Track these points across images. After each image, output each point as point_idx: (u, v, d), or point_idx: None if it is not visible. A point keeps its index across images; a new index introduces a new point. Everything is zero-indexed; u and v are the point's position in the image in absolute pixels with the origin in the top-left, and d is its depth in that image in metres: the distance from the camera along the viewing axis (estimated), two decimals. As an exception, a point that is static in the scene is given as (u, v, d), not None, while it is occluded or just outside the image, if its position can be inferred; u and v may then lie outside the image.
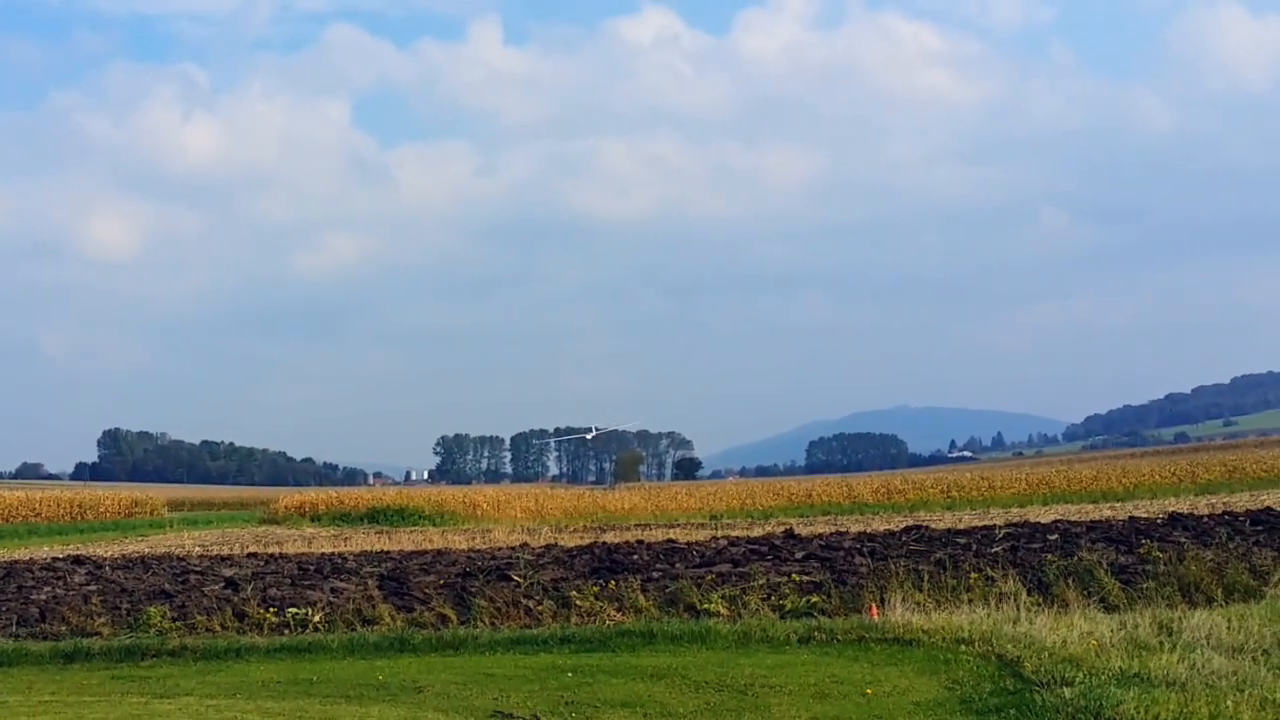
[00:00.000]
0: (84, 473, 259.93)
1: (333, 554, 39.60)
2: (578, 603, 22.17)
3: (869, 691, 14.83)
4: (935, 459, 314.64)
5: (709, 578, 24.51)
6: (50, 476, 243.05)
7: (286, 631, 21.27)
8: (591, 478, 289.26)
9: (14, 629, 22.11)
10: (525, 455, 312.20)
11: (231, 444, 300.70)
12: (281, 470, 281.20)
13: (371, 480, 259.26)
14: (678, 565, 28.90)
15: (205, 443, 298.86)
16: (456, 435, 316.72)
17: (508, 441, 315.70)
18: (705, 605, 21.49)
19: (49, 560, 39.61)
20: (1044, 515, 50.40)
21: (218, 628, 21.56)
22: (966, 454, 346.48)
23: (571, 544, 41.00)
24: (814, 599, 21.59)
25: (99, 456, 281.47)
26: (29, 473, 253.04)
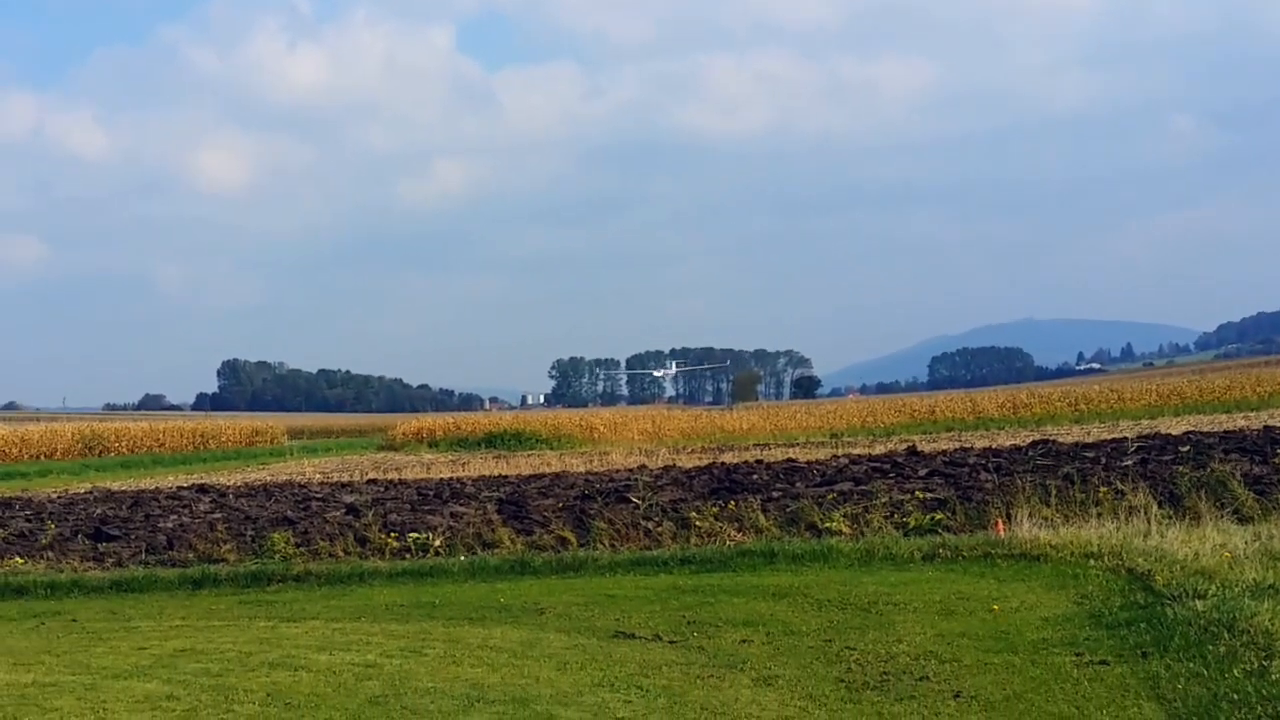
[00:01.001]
0: (204, 403, 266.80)
1: (451, 479, 40.32)
2: (697, 523, 22.34)
3: (995, 607, 14.80)
4: (1062, 372, 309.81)
5: (830, 496, 24.54)
6: (172, 407, 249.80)
7: (408, 556, 21.77)
8: (709, 398, 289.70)
9: (143, 556, 22.91)
10: (641, 377, 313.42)
11: (348, 372, 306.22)
12: (398, 397, 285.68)
13: (488, 405, 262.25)
14: (798, 484, 28.95)
15: (322, 371, 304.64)
16: (571, 359, 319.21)
17: (623, 364, 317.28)
18: (827, 524, 21.54)
19: (175, 489, 40.84)
20: (1175, 427, 49.55)
21: (340, 553, 22.12)
22: (1094, 366, 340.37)
23: (689, 465, 41.26)
24: (938, 516, 21.52)
25: (219, 387, 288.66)
26: (151, 404, 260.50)
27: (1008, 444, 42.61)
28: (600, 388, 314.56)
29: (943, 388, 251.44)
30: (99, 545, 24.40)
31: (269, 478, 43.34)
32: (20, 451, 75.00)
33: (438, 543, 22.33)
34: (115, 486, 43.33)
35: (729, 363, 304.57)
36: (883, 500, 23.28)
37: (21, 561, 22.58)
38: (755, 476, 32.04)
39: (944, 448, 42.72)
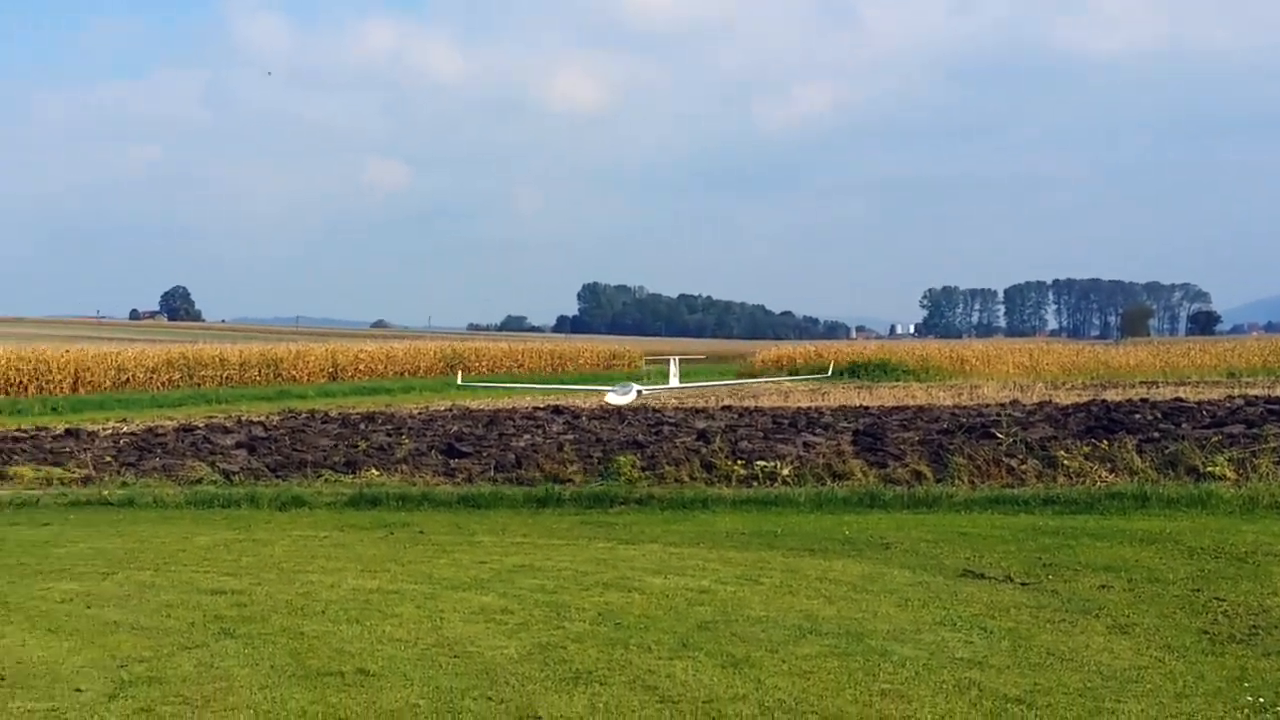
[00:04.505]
0: (565, 325, 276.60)
1: (808, 408, 40.59)
2: (1065, 462, 21.74)
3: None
4: None
5: (1215, 439, 23.38)
6: (533, 329, 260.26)
7: (754, 484, 22.08)
8: (1095, 332, 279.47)
9: (492, 474, 24.11)
10: (1020, 308, 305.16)
11: (709, 297, 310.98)
12: (760, 323, 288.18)
13: (854, 334, 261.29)
14: (1183, 425, 27.75)
15: (683, 296, 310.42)
16: (945, 288, 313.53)
17: (1000, 294, 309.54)
18: (1209, 468, 20.56)
19: (530, 410, 42.67)
20: None
21: (685, 478, 22.64)
22: None
23: (1067, 401, 40.17)
24: (1342, 464, 20.19)
25: (579, 310, 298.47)
26: (513, 325, 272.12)
27: None
28: (975, 318, 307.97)
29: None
30: (451, 461, 25.82)
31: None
32: (386, 368, 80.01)
33: (785, 472, 22.54)
34: (473, 405, 45.64)
35: (1117, 295, 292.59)
36: (1275, 445, 22.00)
37: (377, 474, 24.15)
38: (1137, 416, 30.87)
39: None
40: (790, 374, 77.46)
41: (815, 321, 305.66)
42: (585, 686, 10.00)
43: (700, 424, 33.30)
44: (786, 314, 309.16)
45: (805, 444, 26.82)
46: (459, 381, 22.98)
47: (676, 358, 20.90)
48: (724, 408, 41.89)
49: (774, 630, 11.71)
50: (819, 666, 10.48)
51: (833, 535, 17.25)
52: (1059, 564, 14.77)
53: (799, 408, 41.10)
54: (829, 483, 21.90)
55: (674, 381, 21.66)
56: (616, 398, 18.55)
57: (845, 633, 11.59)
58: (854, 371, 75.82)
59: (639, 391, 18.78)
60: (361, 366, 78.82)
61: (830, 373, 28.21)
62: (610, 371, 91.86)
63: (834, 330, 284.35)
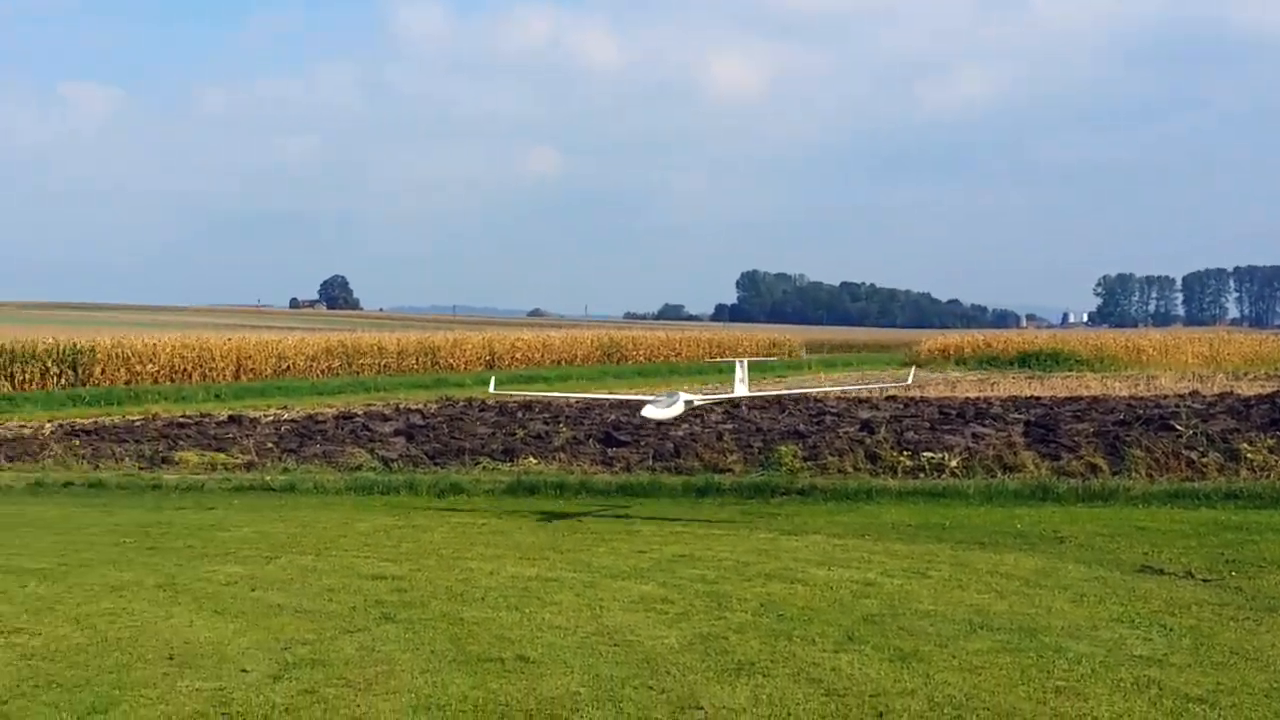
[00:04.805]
0: (723, 314, 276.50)
1: (976, 398, 40.09)
2: (1248, 456, 21.16)
3: None
4: None
5: None
6: (690, 318, 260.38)
7: (920, 475, 21.86)
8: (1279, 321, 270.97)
9: (650, 462, 24.22)
10: (1199, 296, 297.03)
11: (872, 285, 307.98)
12: (925, 312, 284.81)
13: (1023, 323, 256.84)
14: (1379, 418, 26.80)
15: (845, 284, 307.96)
16: (1120, 275, 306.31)
17: (1179, 281, 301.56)
18: None
19: (687, 399, 42.73)
20: None
21: (849, 469, 22.49)
22: None
23: (1250, 393, 39.09)
24: None
25: (737, 298, 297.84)
26: (670, 314, 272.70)
27: None
28: (1152, 307, 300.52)
29: None
30: (608, 450, 26.01)
31: (784, 390, 44.47)
32: (543, 356, 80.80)
33: (954, 463, 22.27)
34: (632, 394, 45.87)
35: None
36: None
37: (535, 462, 24.41)
38: (1328, 407, 29.90)
39: None
40: (957, 364, 76.51)
41: (983, 310, 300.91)
42: (748, 678, 10.00)
43: (864, 414, 33.07)
44: (953, 302, 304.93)
45: (974, 435, 26.52)
46: (491, 389, 22.05)
47: (744, 360, 19.12)
48: (888, 397, 41.54)
49: (943, 625, 11.58)
50: (990, 662, 10.34)
51: (1004, 528, 17.03)
52: (1243, 560, 14.39)
53: (966, 398, 40.61)
54: (999, 475, 21.58)
55: (740, 388, 19.69)
56: (657, 410, 16.38)
57: (1018, 628, 11.42)
58: (1024, 361, 74.70)
59: (688, 402, 17.02)
60: (518, 355, 79.72)
61: (910, 380, 26.25)
62: (770, 359, 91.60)
63: (1002, 319, 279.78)
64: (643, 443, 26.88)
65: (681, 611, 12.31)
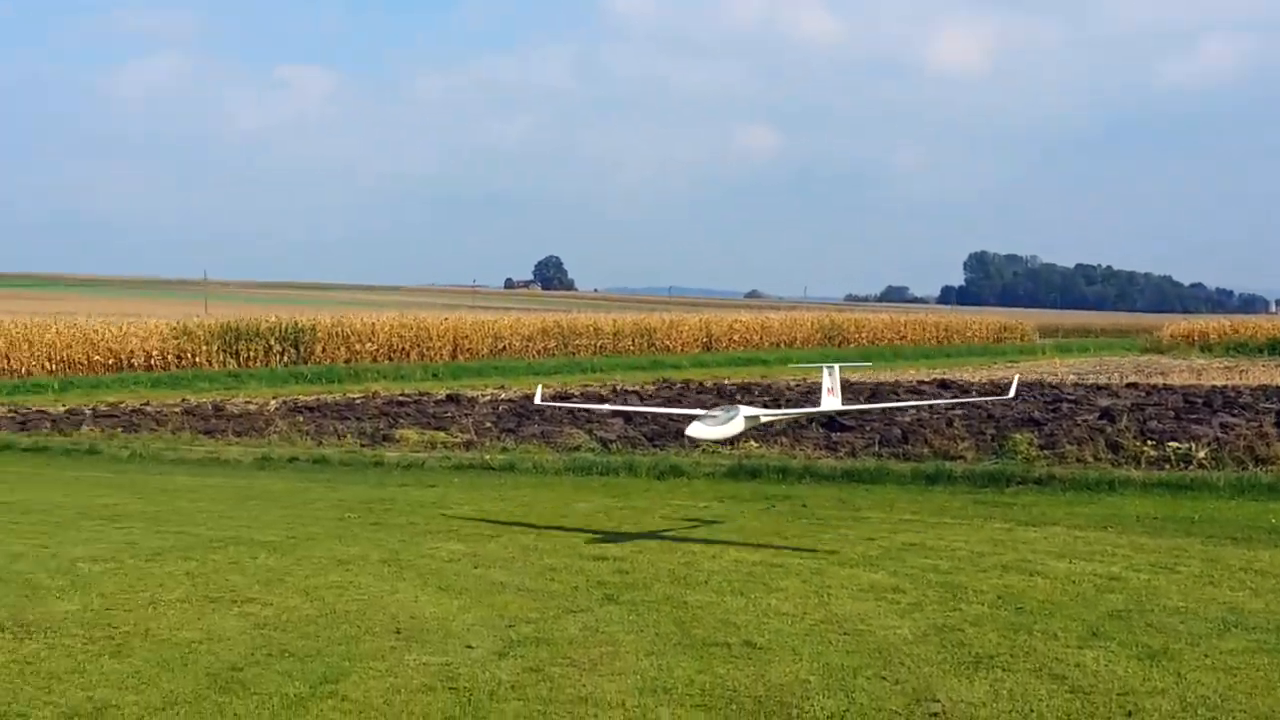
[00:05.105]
0: (950, 296, 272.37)
1: (1224, 386, 38.94)
2: None
3: None
4: None
5: None
6: (915, 300, 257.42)
7: (1165, 466, 21.22)
8: None
9: (876, 448, 24.00)
10: None
11: (1109, 267, 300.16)
12: (1167, 296, 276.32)
13: (1273, 308, 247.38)
14: None
15: (1079, 266, 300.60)
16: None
17: None
18: None
19: (914, 384, 42.37)
20: None
21: (1089, 458, 21.95)
22: None
23: None
24: None
25: (965, 280, 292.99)
26: (893, 296, 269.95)
27: None
28: None
29: None
30: (832, 435, 25.85)
31: (1016, 376, 43.81)
32: (761, 338, 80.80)
33: (1201, 454, 21.58)
34: (853, 377, 45.63)
35: None
36: None
37: (756, 445, 24.40)
38: None
39: None
40: (1202, 350, 74.16)
41: (1229, 294, 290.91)
42: (986, 672, 9.86)
43: (1103, 401, 32.33)
44: (1196, 285, 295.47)
45: (1222, 425, 25.70)
46: (538, 400, 20.36)
47: (836, 366, 15.68)
48: (1129, 385, 40.53)
49: (1194, 622, 11.25)
50: (1246, 663, 10.02)
51: (1257, 524, 16.46)
52: None
53: (1213, 386, 39.42)
54: (1250, 467, 20.84)
55: (830, 400, 15.62)
56: (707, 428, 15.79)
57: (1275, 628, 11.04)
58: (1274, 348, 72.22)
59: (751, 418, 13.97)
60: (736, 337, 79.87)
61: (1013, 392, 21.91)
62: (1000, 344, 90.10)
63: (1250, 304, 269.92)
64: (868, 428, 26.66)
65: (914, 601, 12.19)
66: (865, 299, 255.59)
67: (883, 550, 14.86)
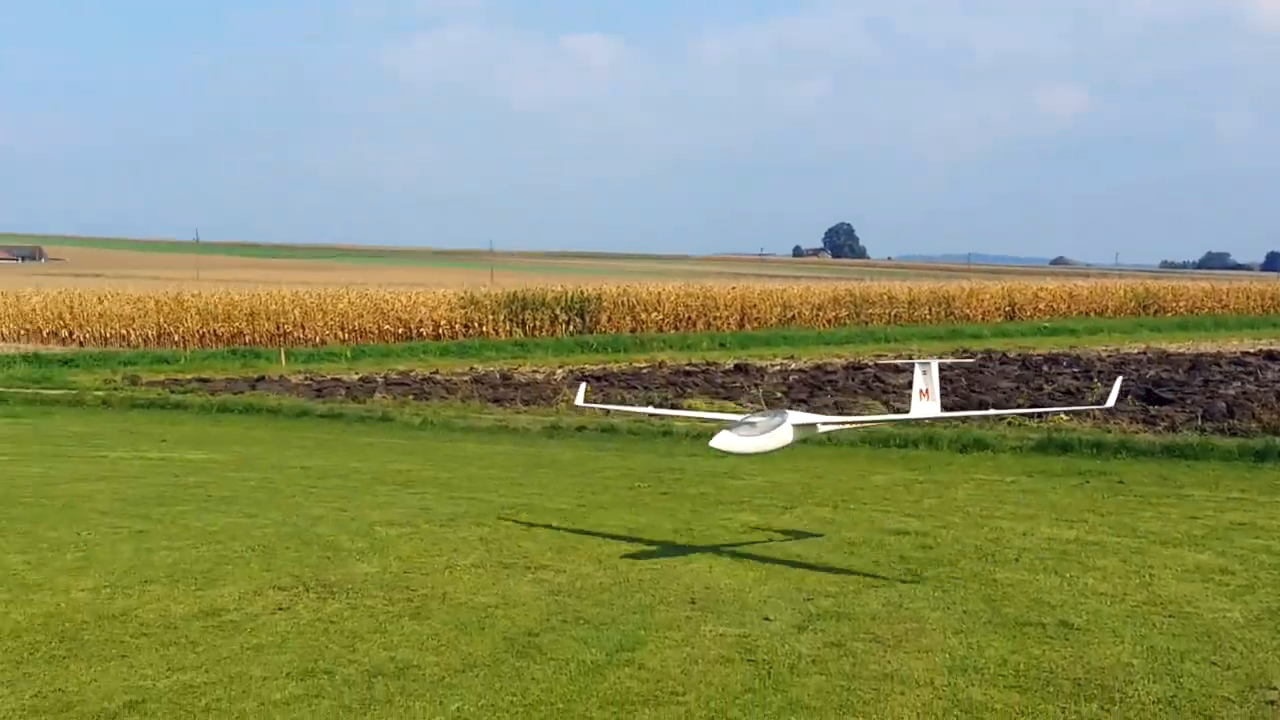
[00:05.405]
0: (1276, 263, 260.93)
1: None
2: None
3: None
4: None
5: None
6: (1238, 267, 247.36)
7: None
8: None
9: (1199, 423, 23.05)
10: None
11: None
12: None
13: None
14: None
15: None
16: None
17: None
18: None
19: (1237, 354, 40.65)
20: None
21: None
22: None
23: None
24: None
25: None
26: (1214, 262, 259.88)
27: None
28: None
29: None
30: (1150, 408, 24.98)
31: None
32: (1069, 307, 78.69)
33: None
34: (1171, 348, 44.07)
35: None
36: None
37: (1066, 419, 23.72)
38: None
39: None
40: None
41: None
42: (1330, 660, 9.33)
43: None
44: None
45: None
46: (579, 402, 17.88)
47: (934, 361, 12.62)
48: None
49: None
50: None
51: None
52: None
53: None
54: None
55: (923, 406, 14.28)
56: (739, 438, 12.57)
57: None
58: None
59: (804, 426, 11.37)
60: (1041, 305, 77.98)
61: (1112, 400, 17.72)
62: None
63: None
64: (1188, 401, 25.67)
65: (1245, 584, 11.64)
66: (1182, 266, 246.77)
67: (1208, 530, 14.24)
